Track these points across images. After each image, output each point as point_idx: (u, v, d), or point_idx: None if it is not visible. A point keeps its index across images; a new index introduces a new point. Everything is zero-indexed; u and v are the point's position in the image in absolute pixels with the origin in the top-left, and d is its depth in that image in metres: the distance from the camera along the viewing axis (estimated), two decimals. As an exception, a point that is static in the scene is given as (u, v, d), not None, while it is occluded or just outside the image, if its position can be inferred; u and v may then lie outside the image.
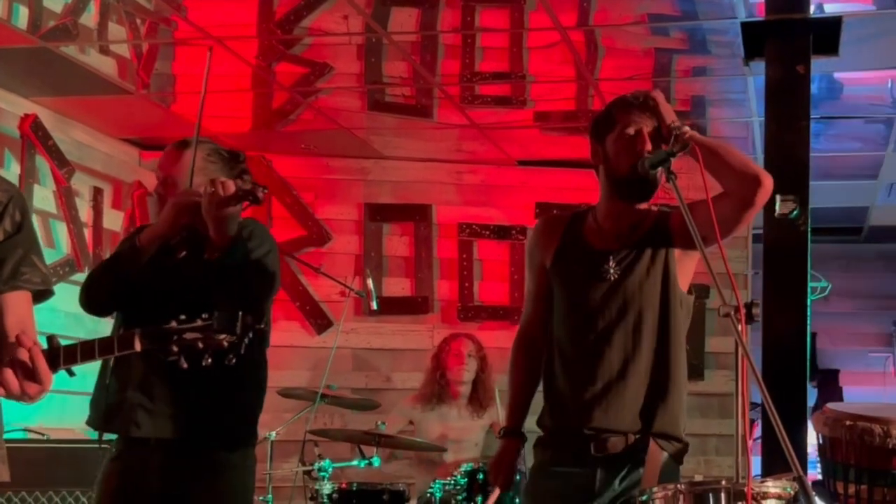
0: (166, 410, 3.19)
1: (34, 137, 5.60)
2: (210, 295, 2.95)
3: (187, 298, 2.76)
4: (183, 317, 2.28)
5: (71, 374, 2.30)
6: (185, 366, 2.27)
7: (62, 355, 2.27)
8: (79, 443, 5.07)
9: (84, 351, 2.28)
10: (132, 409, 3.19)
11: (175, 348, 2.26)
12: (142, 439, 3.20)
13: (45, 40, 4.91)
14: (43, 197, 5.69)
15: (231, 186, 3.00)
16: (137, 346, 2.27)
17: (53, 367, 2.26)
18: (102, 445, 3.39)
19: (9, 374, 2.21)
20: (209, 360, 2.26)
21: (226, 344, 2.27)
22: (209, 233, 3.06)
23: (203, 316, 2.28)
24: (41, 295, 2.48)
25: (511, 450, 3.17)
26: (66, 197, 5.82)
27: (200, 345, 2.26)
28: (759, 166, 2.87)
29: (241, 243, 3.15)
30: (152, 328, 2.27)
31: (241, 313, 2.30)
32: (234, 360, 2.30)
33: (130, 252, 3.18)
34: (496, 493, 3.18)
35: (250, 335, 2.30)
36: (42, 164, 5.69)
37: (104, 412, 3.26)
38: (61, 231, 5.79)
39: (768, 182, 2.80)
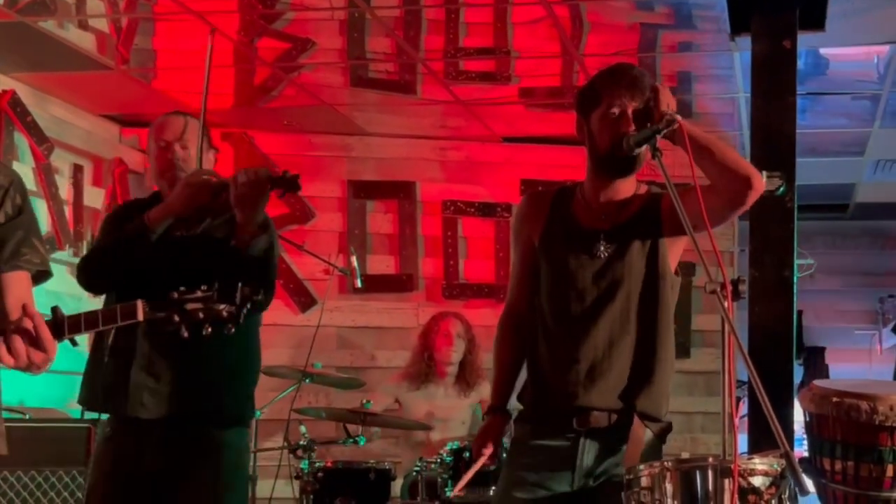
0: (167, 390, 3.19)
1: (12, 114, 5.54)
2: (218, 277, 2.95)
3: (192, 279, 2.78)
4: (183, 288, 2.38)
5: (74, 343, 2.38)
6: (186, 335, 2.38)
7: (66, 325, 2.35)
8: (62, 422, 5.04)
9: (88, 321, 2.37)
10: (137, 389, 3.18)
11: (177, 318, 2.37)
12: (140, 419, 3.19)
13: (22, 15, 4.84)
14: (22, 174, 5.41)
15: (262, 174, 3.03)
16: (140, 316, 2.36)
17: (58, 336, 2.32)
18: (89, 424, 3.39)
19: (17, 340, 2.27)
20: (209, 330, 2.38)
21: (225, 314, 2.39)
22: (238, 219, 3.08)
23: (203, 287, 2.39)
24: (40, 276, 2.56)
25: (496, 426, 3.15)
26: (45, 174, 5.76)
27: (201, 315, 2.38)
28: (751, 166, 2.84)
29: (269, 231, 3.17)
30: (156, 298, 2.37)
31: (240, 284, 2.42)
32: (232, 330, 2.41)
33: (140, 230, 3.17)
34: (478, 464, 3.16)
35: (249, 305, 2.41)
36: (21, 140, 5.63)
37: (103, 391, 3.25)
38: (41, 208, 5.73)
39: (759, 184, 2.79)
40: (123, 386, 3.20)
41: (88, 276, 3.28)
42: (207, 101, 5.99)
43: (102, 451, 3.29)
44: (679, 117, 2.78)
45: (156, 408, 3.18)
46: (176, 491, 3.22)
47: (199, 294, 2.40)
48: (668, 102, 2.82)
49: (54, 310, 2.36)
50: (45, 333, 2.29)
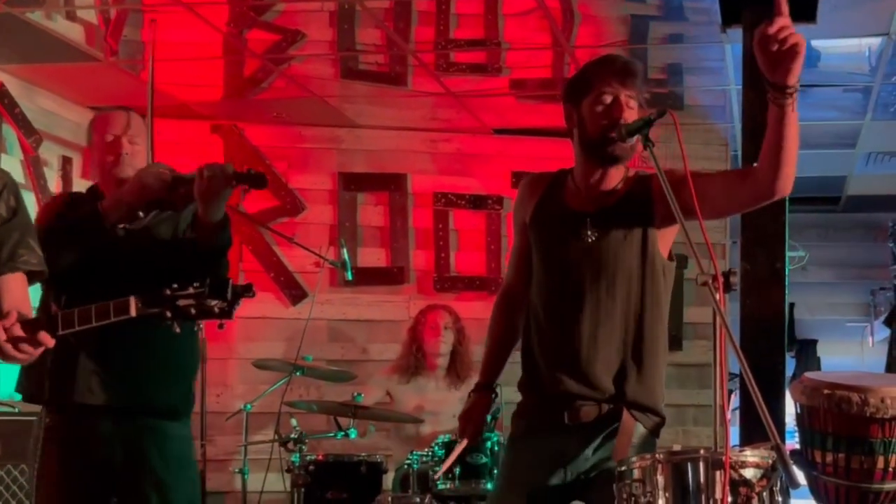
0: (117, 378, 3.20)
1: (0, 106, 5.50)
2: (168, 270, 2.92)
3: (142, 272, 2.79)
4: (175, 285, 2.43)
5: (70, 339, 2.49)
6: (179, 330, 2.45)
7: (60, 321, 2.41)
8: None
9: (81, 317, 2.44)
10: (86, 375, 3.19)
11: (169, 314, 2.42)
12: (90, 407, 3.19)
13: (10, 6, 4.81)
14: (10, 166, 5.56)
15: (228, 170, 3.04)
16: (133, 312, 2.42)
17: (51, 332, 2.39)
18: (29, 417, 3.39)
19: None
20: (201, 325, 2.38)
21: (217, 310, 2.44)
22: (199, 212, 3.10)
23: (195, 284, 2.43)
24: (34, 275, 2.61)
25: (480, 404, 3.15)
26: (33, 166, 5.73)
27: (193, 311, 2.43)
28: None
29: (229, 226, 3.19)
30: (149, 294, 2.43)
31: (231, 280, 2.48)
32: (223, 325, 2.49)
33: (94, 219, 3.17)
34: (463, 443, 3.16)
35: (240, 301, 2.47)
36: (9, 132, 5.60)
37: (49, 379, 3.22)
38: (29, 201, 5.67)
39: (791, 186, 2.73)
40: (71, 371, 3.19)
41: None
42: (195, 93, 6.05)
43: (49, 444, 3.25)
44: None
45: (104, 394, 3.19)
46: (125, 480, 3.24)
47: (191, 290, 2.43)
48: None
49: (46, 306, 2.44)
50: (44, 337, 2.39)
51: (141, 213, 3.18)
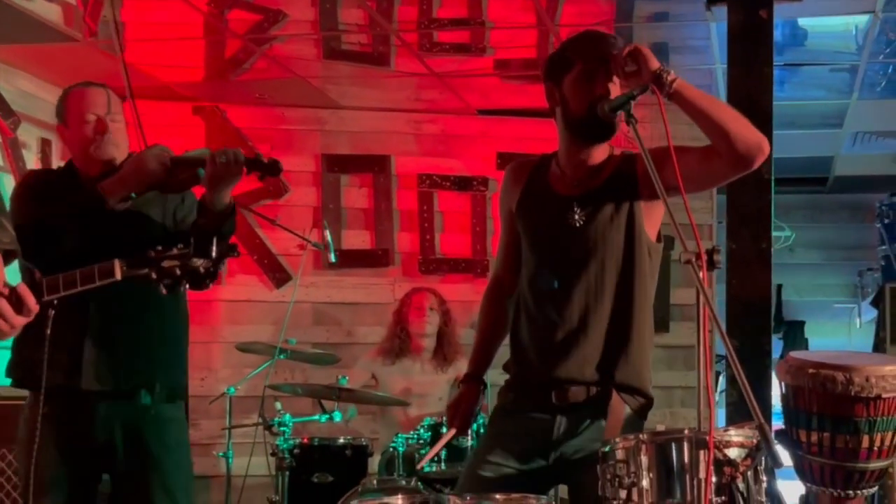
0: (119, 364, 3.19)
1: (-23, 87, 5.46)
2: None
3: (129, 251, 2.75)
4: (160, 247, 2.44)
5: (52, 305, 2.46)
6: (165, 292, 2.46)
7: (45, 287, 2.41)
8: None
9: (66, 282, 2.43)
10: (91, 363, 3.17)
11: (154, 275, 2.44)
12: (86, 392, 3.17)
13: (-15, -14, 4.74)
14: None
15: (241, 157, 3.01)
16: (118, 275, 2.43)
17: (37, 297, 2.36)
18: (16, 402, 3.37)
19: (2, 302, 2.31)
20: (186, 286, 2.46)
21: (202, 270, 2.46)
22: (206, 198, 3.07)
23: (179, 245, 2.45)
24: (8, 255, 2.55)
25: (470, 394, 3.14)
26: (12, 148, 5.67)
27: (178, 271, 2.44)
28: (757, 130, 2.76)
29: (234, 214, 3.16)
30: (133, 257, 2.44)
31: (215, 239, 2.51)
32: (209, 286, 2.49)
33: (95, 202, 3.13)
34: (451, 433, 3.14)
35: (225, 261, 2.51)
36: (-14, 114, 5.55)
37: (49, 366, 3.12)
38: (8, 183, 5.63)
39: (767, 147, 2.75)
40: (76, 360, 3.17)
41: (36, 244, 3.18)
42: (176, 74, 5.99)
43: (33, 424, 3.15)
44: (673, 74, 2.72)
45: (109, 381, 3.18)
46: (124, 464, 3.23)
47: (175, 251, 2.44)
48: (654, 61, 2.74)
49: (30, 272, 2.42)
50: (29, 298, 2.31)
51: (133, 195, 3.14)
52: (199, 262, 2.45)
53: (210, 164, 3.03)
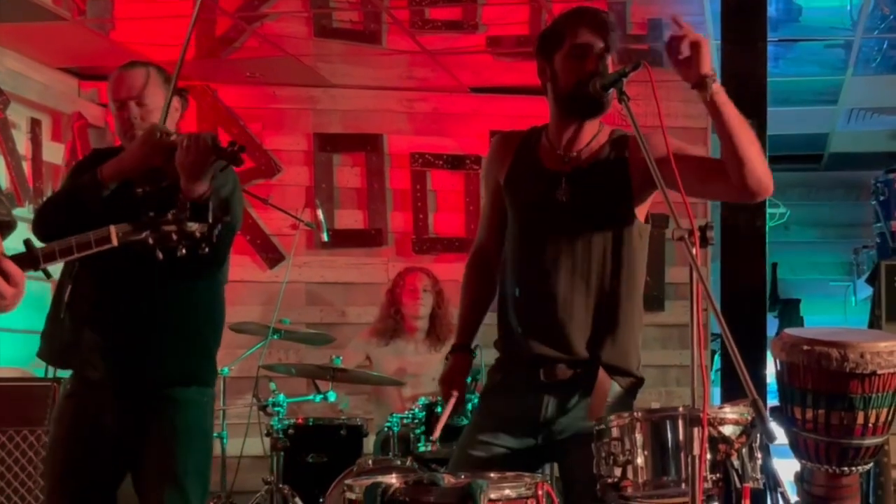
0: (122, 351, 3.15)
1: (-35, 67, 5.41)
2: None
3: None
4: (152, 213, 2.43)
5: (47, 275, 2.45)
6: (161, 257, 2.44)
7: (41, 255, 2.38)
8: (25, 381, 4.95)
9: (62, 249, 2.42)
10: (90, 350, 3.15)
11: (151, 241, 2.42)
12: (96, 381, 3.16)
13: (-28, -36, 4.70)
14: None
15: (208, 143, 2.91)
16: (114, 241, 2.40)
17: (34, 266, 2.37)
18: (52, 382, 3.35)
19: None
20: (183, 251, 2.44)
21: (198, 234, 2.46)
22: (180, 184, 2.98)
23: (172, 211, 2.44)
24: (4, 227, 2.66)
25: (460, 364, 3.12)
26: (2, 129, 5.63)
27: (174, 236, 2.43)
28: (769, 171, 2.73)
29: (212, 197, 3.05)
30: (129, 223, 2.43)
31: (210, 203, 2.51)
32: (206, 250, 2.47)
33: (92, 184, 3.09)
34: (453, 399, 3.10)
35: (220, 226, 2.49)
36: (-25, 94, 5.50)
37: (59, 349, 3.22)
38: (-2, 164, 5.62)
39: (771, 190, 2.73)
40: (78, 346, 3.17)
41: (41, 226, 3.21)
42: (168, 52, 5.93)
43: (64, 408, 3.27)
44: (718, 84, 2.66)
45: (108, 369, 3.15)
46: (135, 449, 3.19)
47: (170, 216, 2.43)
48: (707, 64, 2.66)
49: (27, 243, 2.37)
50: (10, 266, 2.28)
51: (139, 190, 3.05)
52: (194, 227, 2.45)
53: (179, 148, 2.95)
